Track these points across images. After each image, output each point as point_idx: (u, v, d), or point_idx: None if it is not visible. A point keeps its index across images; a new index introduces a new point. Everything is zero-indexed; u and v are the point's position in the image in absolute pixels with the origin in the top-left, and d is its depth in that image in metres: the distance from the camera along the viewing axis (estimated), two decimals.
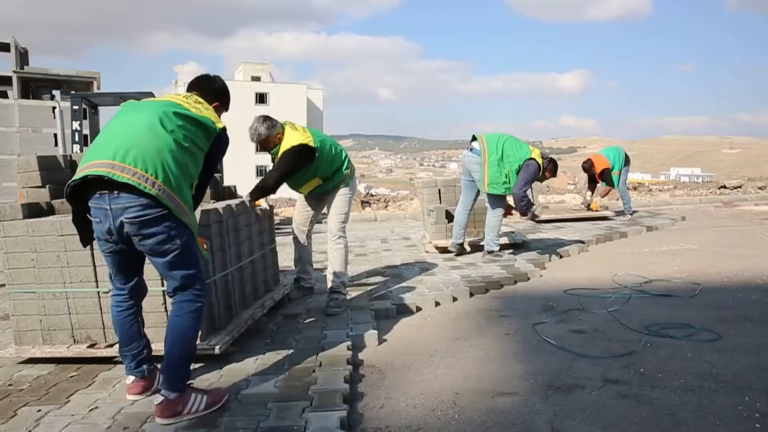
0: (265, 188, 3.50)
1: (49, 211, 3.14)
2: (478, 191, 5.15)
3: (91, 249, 2.78)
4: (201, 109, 2.27)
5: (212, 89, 2.46)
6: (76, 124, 8.01)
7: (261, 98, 51.79)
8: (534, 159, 4.82)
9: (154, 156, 2.04)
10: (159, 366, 2.34)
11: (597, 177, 7.84)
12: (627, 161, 7.92)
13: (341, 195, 3.71)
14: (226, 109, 2.54)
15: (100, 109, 8.95)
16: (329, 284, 3.68)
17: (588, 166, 7.91)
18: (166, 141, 2.08)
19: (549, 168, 4.99)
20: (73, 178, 2.06)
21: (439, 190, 5.91)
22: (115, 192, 2.02)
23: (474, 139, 5.12)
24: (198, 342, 2.73)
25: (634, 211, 7.91)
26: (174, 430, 2.08)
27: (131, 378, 2.36)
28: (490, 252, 5.06)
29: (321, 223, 4.09)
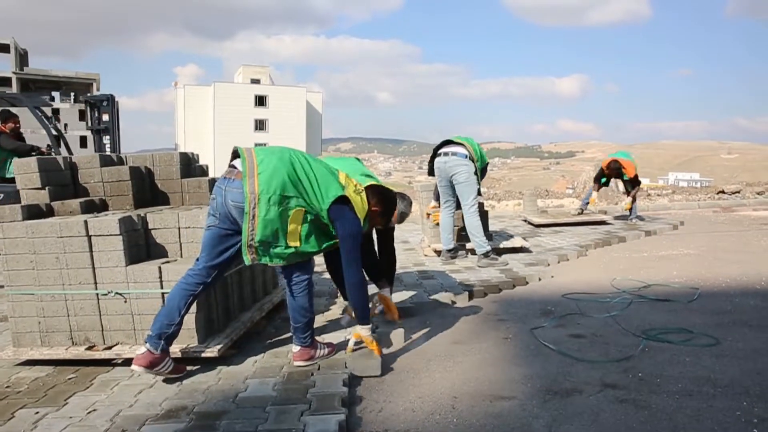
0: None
1: (49, 212, 3.14)
2: (456, 194, 5.17)
3: (90, 251, 2.78)
4: (347, 186, 2.65)
5: (379, 192, 2.86)
6: None
7: (260, 101, 51.85)
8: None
9: (271, 178, 2.47)
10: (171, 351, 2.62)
11: (630, 179, 7.63)
12: None
13: None
14: (386, 217, 2.90)
15: None
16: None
17: (617, 167, 7.56)
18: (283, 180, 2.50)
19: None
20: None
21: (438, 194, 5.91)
22: (233, 177, 2.51)
23: (447, 143, 5.15)
24: (197, 344, 2.75)
25: (638, 217, 7.88)
26: (173, 430, 2.08)
27: (143, 349, 2.53)
28: (485, 255, 5.05)
29: None
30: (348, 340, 2.83)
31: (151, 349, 2.51)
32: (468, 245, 5.47)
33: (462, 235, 5.51)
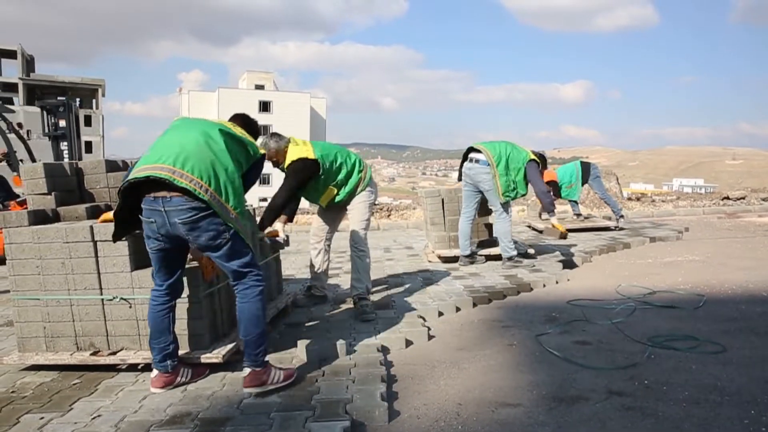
0: (274, 209, 3.55)
1: (55, 218, 3.16)
2: (480, 201, 5.23)
3: (96, 256, 2.79)
4: (245, 134, 2.62)
5: (246, 123, 2.83)
6: None
7: (264, 106, 52.06)
8: (533, 159, 5.10)
9: (208, 166, 2.33)
10: (184, 362, 2.65)
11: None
12: (587, 173, 7.97)
13: (360, 202, 3.74)
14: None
15: None
16: (355, 291, 3.72)
17: (544, 161, 7.86)
18: (218, 154, 2.39)
19: (543, 161, 5.32)
20: (134, 175, 2.33)
21: (442, 200, 5.91)
22: (168, 196, 2.30)
23: (472, 150, 5.18)
24: (202, 350, 2.75)
25: (623, 215, 7.90)
26: None
27: (155, 372, 2.55)
28: (510, 258, 5.12)
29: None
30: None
31: (162, 372, 2.53)
32: (485, 251, 5.51)
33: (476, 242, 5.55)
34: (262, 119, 51.61)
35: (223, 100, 50.39)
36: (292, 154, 3.51)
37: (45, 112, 8.65)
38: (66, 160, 8.25)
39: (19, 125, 8.03)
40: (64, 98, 8.65)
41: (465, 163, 5.25)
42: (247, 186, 2.57)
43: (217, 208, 2.31)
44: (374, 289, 4.46)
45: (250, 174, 2.59)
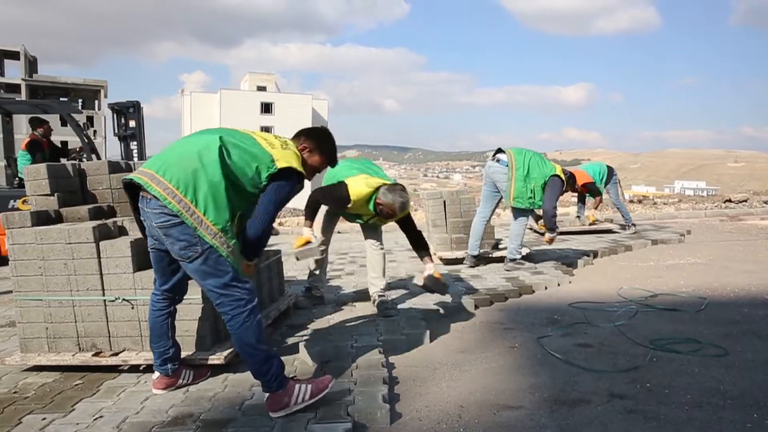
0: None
1: (58, 219, 3.16)
2: (497, 203, 5.26)
3: (98, 257, 2.80)
4: (275, 144, 2.38)
5: (306, 132, 2.61)
6: None
7: (266, 108, 52.10)
8: (558, 175, 4.99)
9: (188, 176, 2.19)
10: (186, 363, 2.63)
11: (581, 190, 7.65)
12: (610, 176, 7.87)
13: None
14: (319, 154, 2.57)
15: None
16: (374, 289, 3.80)
17: (572, 182, 7.71)
18: (207, 165, 2.21)
19: (570, 183, 5.21)
20: (125, 176, 2.33)
21: (444, 202, 5.92)
22: (149, 198, 2.24)
23: (500, 151, 5.22)
24: (204, 351, 2.75)
25: (634, 224, 7.83)
26: None
27: (157, 373, 2.54)
28: (513, 260, 5.14)
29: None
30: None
31: (162, 375, 2.53)
32: (490, 254, 5.52)
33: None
34: (263, 121, 51.68)
35: (224, 101, 50.46)
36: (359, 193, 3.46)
37: (115, 113, 8.78)
38: (135, 159, 8.49)
39: (86, 125, 8.13)
40: (135, 100, 8.80)
41: (488, 162, 5.31)
42: (263, 202, 2.30)
43: (189, 219, 2.16)
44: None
45: (268, 189, 2.31)
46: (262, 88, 54.47)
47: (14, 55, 38.54)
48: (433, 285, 3.44)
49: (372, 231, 3.87)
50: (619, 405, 2.33)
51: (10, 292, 2.99)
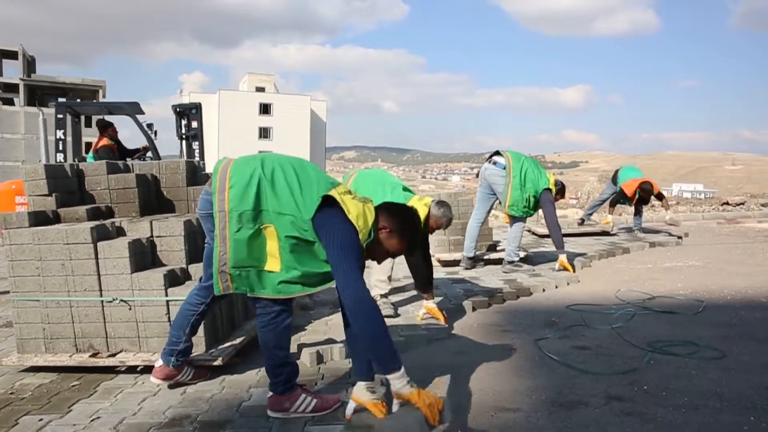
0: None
1: (55, 219, 3.16)
2: (492, 205, 5.28)
3: (96, 258, 2.79)
4: (351, 208, 2.06)
5: (388, 210, 2.21)
6: (60, 133, 8.09)
7: (265, 109, 52.08)
8: (549, 189, 5.05)
9: (242, 188, 2.11)
10: (193, 363, 2.62)
11: (642, 196, 7.32)
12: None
13: None
14: (399, 238, 2.18)
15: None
16: (376, 291, 3.79)
17: (650, 188, 7.32)
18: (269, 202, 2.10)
19: (560, 192, 5.24)
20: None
21: None
22: (209, 189, 2.22)
23: (497, 153, 5.22)
24: (201, 353, 2.74)
25: (641, 228, 7.80)
26: None
27: (160, 362, 2.53)
28: (510, 262, 5.15)
29: None
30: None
31: (165, 364, 2.52)
32: (487, 256, 5.51)
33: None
34: (262, 122, 51.68)
35: (224, 102, 50.43)
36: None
37: (177, 115, 8.92)
38: (197, 158, 8.64)
39: (149, 125, 8.30)
40: (197, 102, 8.99)
41: (485, 164, 5.32)
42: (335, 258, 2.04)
43: (217, 219, 2.12)
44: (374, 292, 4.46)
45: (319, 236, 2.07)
46: (260, 89, 54.46)
47: (12, 55, 38.47)
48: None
49: None
50: (617, 407, 2.34)
51: (8, 292, 2.99)
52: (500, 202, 5.17)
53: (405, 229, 2.19)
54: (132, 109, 8.42)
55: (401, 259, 6.24)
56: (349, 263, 2.01)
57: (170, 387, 2.58)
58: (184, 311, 2.51)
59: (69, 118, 8.18)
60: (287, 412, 2.22)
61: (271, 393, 2.27)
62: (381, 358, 1.98)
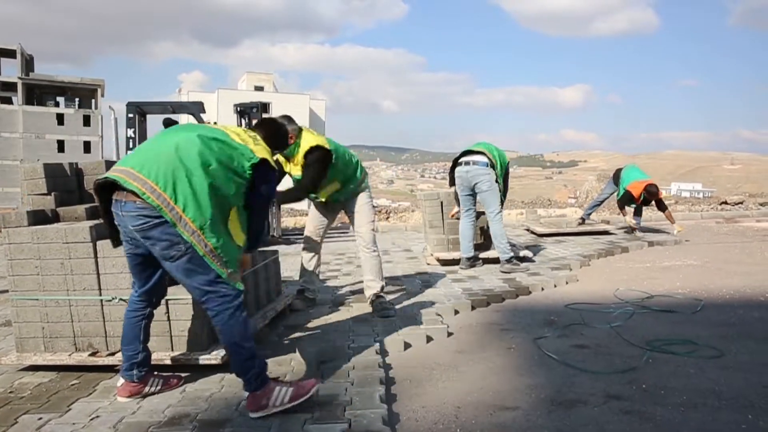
0: (296, 196, 3.60)
1: (55, 218, 3.15)
2: (475, 201, 5.26)
3: (95, 257, 2.79)
4: (246, 139, 2.39)
5: (271, 130, 2.79)
6: (130, 132, 8.28)
7: (264, 108, 52.10)
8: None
9: (167, 171, 2.17)
10: (156, 372, 2.53)
11: (647, 197, 7.26)
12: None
13: (364, 202, 3.78)
14: (277, 147, 2.84)
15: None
16: (371, 291, 3.77)
17: (656, 191, 7.27)
18: (186, 161, 2.19)
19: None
20: (100, 176, 2.30)
21: (441, 203, 5.92)
22: (123, 200, 2.20)
23: (467, 153, 5.21)
24: (199, 351, 2.74)
25: (640, 228, 7.80)
26: None
27: (121, 380, 2.45)
28: (508, 261, 5.12)
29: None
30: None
31: (128, 381, 2.43)
32: (483, 254, 5.50)
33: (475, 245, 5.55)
34: None
35: (222, 101, 50.39)
36: (310, 141, 3.44)
37: (238, 114, 8.95)
38: None
39: (214, 124, 8.35)
40: (258, 101, 9.01)
41: (459, 167, 5.23)
42: (255, 197, 2.38)
43: (170, 216, 2.13)
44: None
45: (255, 182, 2.34)
46: (259, 88, 54.45)
47: (10, 54, 38.42)
48: None
49: (325, 226, 3.89)
50: (616, 406, 2.34)
51: (7, 291, 2.98)
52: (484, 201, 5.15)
53: (272, 133, 2.77)
54: (196, 108, 8.61)
55: (400, 259, 6.25)
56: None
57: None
58: (132, 321, 2.44)
59: (137, 117, 8.29)
60: (267, 409, 2.22)
61: (247, 394, 2.25)
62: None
